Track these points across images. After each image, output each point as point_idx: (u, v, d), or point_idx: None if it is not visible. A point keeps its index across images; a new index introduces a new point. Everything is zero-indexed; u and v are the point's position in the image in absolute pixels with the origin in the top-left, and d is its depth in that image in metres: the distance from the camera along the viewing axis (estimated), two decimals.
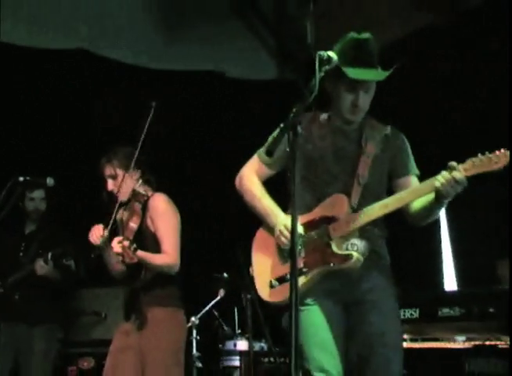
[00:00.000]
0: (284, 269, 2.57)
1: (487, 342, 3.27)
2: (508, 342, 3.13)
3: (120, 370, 3.13)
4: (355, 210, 2.53)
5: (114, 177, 3.30)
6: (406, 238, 4.85)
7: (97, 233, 3.14)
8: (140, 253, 3.03)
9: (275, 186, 2.74)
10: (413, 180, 2.64)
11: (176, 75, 5.61)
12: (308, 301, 2.53)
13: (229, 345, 4.90)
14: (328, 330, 2.50)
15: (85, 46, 5.36)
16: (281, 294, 2.55)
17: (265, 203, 2.68)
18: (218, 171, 5.00)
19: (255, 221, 2.75)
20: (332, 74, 2.47)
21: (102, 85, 5.34)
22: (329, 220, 2.54)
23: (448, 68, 5.04)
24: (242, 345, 4.82)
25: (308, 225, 2.56)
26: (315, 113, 2.69)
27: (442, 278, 5.25)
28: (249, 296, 4.14)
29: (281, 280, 2.59)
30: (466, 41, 4.92)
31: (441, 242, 5.27)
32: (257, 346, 4.71)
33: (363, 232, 2.54)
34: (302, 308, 2.47)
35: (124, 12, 5.67)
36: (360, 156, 2.59)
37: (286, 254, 2.58)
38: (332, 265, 2.50)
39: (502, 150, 2.28)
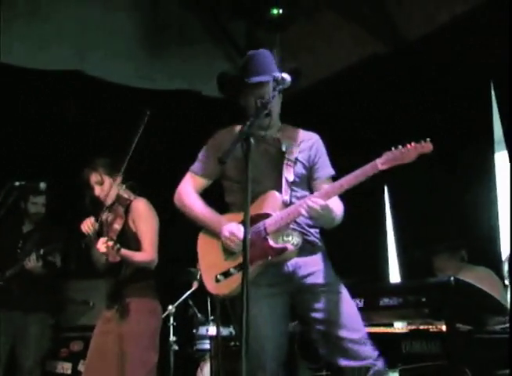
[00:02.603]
0: (227, 265, 2.60)
1: (421, 327, 3.37)
2: (438, 327, 3.24)
3: (103, 351, 3.21)
4: (287, 205, 2.57)
5: (101, 183, 3.38)
6: (357, 234, 4.96)
7: (89, 223, 3.21)
8: (123, 251, 3.12)
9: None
10: (326, 183, 2.67)
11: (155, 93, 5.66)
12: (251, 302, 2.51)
13: (202, 330, 4.96)
14: (267, 323, 2.52)
15: (77, 67, 5.41)
16: (226, 287, 2.58)
17: (206, 212, 2.69)
18: None
19: None
20: (240, 91, 2.62)
21: (92, 103, 5.33)
22: (265, 216, 2.57)
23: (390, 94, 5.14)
24: (213, 330, 4.87)
25: None
26: (236, 127, 2.71)
27: (388, 271, 5.36)
28: None
29: (225, 274, 2.60)
30: (406, 70, 5.04)
31: (386, 237, 5.37)
32: (226, 331, 4.76)
33: (296, 225, 2.58)
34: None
35: (113, 37, 5.74)
36: (283, 159, 2.64)
37: (230, 252, 2.59)
38: (270, 258, 2.52)
39: (412, 144, 2.37)
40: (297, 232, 2.57)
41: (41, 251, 4.11)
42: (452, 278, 3.01)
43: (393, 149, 2.40)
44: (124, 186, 3.37)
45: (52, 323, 4.59)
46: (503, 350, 2.94)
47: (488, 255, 4.39)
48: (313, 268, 2.61)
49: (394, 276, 5.25)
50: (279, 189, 2.60)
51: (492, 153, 4.63)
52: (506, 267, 3.59)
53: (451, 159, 4.61)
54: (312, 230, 2.67)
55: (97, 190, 3.38)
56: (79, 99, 5.29)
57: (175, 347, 4.87)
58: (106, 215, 3.35)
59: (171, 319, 4.88)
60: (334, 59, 5.85)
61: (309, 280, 2.59)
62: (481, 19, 4.53)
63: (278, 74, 2.49)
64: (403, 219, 5.18)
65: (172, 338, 4.88)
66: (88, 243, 3.22)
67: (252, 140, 2.19)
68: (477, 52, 4.53)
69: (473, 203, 4.52)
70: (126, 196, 3.35)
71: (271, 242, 2.54)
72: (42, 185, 3.98)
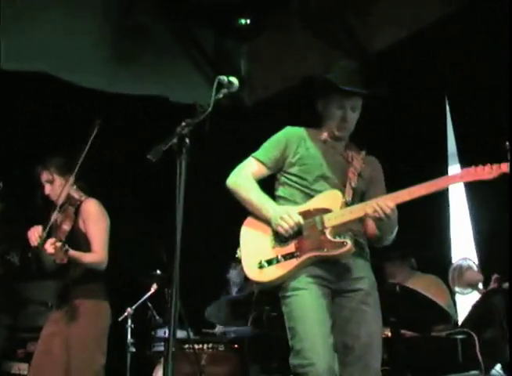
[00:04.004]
0: (275, 252, 2.45)
1: None
2: (384, 333, 3.17)
3: (49, 354, 3.08)
4: (348, 206, 2.46)
5: (51, 182, 3.26)
6: None
7: (35, 235, 3.07)
8: (71, 252, 2.98)
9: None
10: None
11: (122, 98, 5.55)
12: (298, 286, 2.39)
13: (160, 332, 4.83)
14: (321, 311, 2.35)
15: (46, 70, 5.28)
16: (269, 275, 2.43)
17: (261, 196, 2.56)
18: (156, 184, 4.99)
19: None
20: (323, 95, 2.59)
21: (55, 105, 5.20)
22: (324, 211, 2.45)
23: None
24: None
25: (302, 215, 2.45)
26: (309, 129, 2.67)
27: None
28: (170, 291, 4.09)
29: (271, 261, 2.44)
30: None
31: None
32: (183, 334, 4.64)
33: (351, 226, 2.47)
34: (292, 293, 2.38)
35: (83, 42, 5.63)
36: (348, 168, 2.58)
37: (279, 240, 2.45)
38: (325, 250, 2.38)
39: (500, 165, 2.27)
40: (350, 233, 2.46)
41: None
42: (397, 285, 2.96)
43: (474, 166, 2.33)
44: (75, 187, 3.26)
45: (9, 323, 4.42)
46: (446, 356, 2.90)
47: (439, 264, 4.36)
48: (362, 273, 2.48)
49: None
50: (342, 191, 2.51)
51: (446, 165, 4.62)
52: (450, 274, 3.55)
53: (404, 170, 4.58)
54: (363, 234, 2.56)
55: (47, 189, 3.25)
56: (43, 100, 5.15)
57: (132, 349, 4.73)
58: (56, 216, 3.23)
59: (129, 321, 4.74)
60: (300, 71, 5.81)
61: (358, 285, 2.45)
62: (438, 34, 4.53)
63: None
64: None
65: (130, 339, 4.74)
66: (35, 251, 3.08)
67: (187, 141, 2.09)
68: (432, 66, 4.53)
69: (425, 213, 4.49)
70: (77, 196, 3.23)
71: (329, 236, 2.40)
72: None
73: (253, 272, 2.47)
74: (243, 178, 2.60)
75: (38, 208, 3.24)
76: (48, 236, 3.07)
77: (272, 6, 5.78)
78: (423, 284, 3.70)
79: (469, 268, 3.51)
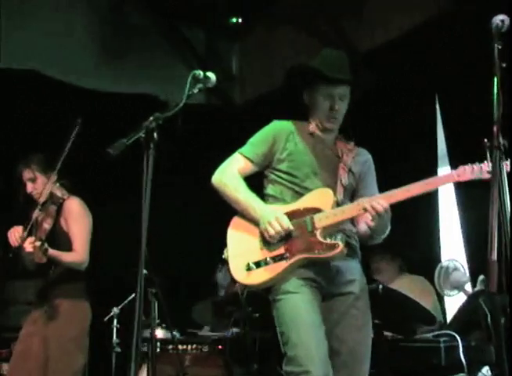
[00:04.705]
0: (263, 254, 2.35)
1: None
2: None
3: (27, 355, 3.05)
4: (339, 205, 2.38)
5: (33, 180, 3.22)
6: None
7: (16, 235, 3.04)
8: (51, 252, 2.95)
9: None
10: None
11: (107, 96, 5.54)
12: (289, 289, 2.30)
13: (146, 333, 4.79)
14: (314, 315, 2.27)
15: (37, 68, 5.26)
16: (257, 278, 2.34)
17: (250, 197, 2.45)
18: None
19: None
20: (309, 85, 2.46)
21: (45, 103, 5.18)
22: (314, 211, 2.35)
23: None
24: (158, 333, 4.73)
25: (291, 215, 2.36)
26: (297, 122, 2.56)
27: None
28: (153, 290, 4.07)
29: (259, 263, 2.34)
30: None
31: None
32: (170, 335, 4.61)
33: (343, 226, 2.39)
34: (283, 296, 2.30)
35: (73, 40, 5.61)
36: (339, 163, 2.48)
37: (268, 242, 2.35)
38: (316, 252, 2.29)
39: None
40: (342, 234, 2.37)
41: None
42: (380, 286, 2.93)
43: (470, 164, 2.24)
44: (57, 184, 3.22)
45: None
46: (429, 359, 2.88)
47: (428, 265, 4.34)
48: (353, 276, 2.40)
49: None
50: (334, 188, 2.41)
51: (436, 167, 4.60)
52: (436, 275, 3.52)
53: (394, 171, 4.56)
54: (355, 236, 2.47)
55: (29, 187, 3.21)
56: (33, 98, 5.13)
57: (118, 349, 4.70)
58: (37, 214, 3.19)
59: (115, 321, 4.71)
60: None
61: (349, 288, 2.38)
62: (428, 34, 4.51)
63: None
64: None
65: (115, 340, 4.71)
66: (16, 252, 3.05)
67: (156, 136, 2.04)
68: (423, 68, 4.51)
69: (414, 213, 4.47)
70: (59, 194, 3.19)
71: (319, 237, 2.31)
72: None
73: (240, 275, 2.38)
74: (229, 176, 2.49)
75: (20, 207, 3.20)
76: (30, 234, 3.05)
77: (263, 5, 5.77)
78: (409, 285, 3.69)
79: (455, 269, 3.49)
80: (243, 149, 2.54)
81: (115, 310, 4.72)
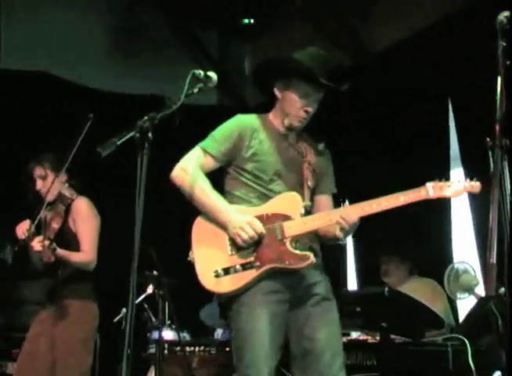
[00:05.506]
0: (232, 261, 2.29)
1: (361, 337, 3.28)
2: (376, 338, 3.14)
3: (34, 355, 3.07)
4: (307, 210, 2.34)
5: (44, 178, 3.24)
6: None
7: (23, 228, 3.07)
8: (59, 251, 2.98)
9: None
10: (329, 199, 2.52)
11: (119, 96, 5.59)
12: (253, 303, 2.26)
13: (155, 334, 4.82)
14: (272, 335, 2.25)
15: (46, 67, 5.33)
16: (226, 286, 2.28)
17: (215, 198, 2.35)
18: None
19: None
20: (286, 77, 2.37)
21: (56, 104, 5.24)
22: (283, 217, 2.29)
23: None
24: (167, 334, 4.76)
25: (260, 220, 2.29)
26: (260, 116, 2.48)
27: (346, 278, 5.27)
28: (161, 292, 4.10)
29: (228, 270, 2.28)
30: (369, 83, 4.96)
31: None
32: (175, 336, 4.63)
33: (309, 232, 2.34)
34: (246, 310, 2.26)
35: (84, 40, 5.68)
36: (303, 163, 2.43)
37: (237, 247, 2.29)
38: (287, 262, 2.25)
39: (462, 181, 2.24)
40: (306, 240, 2.35)
41: None
42: (386, 289, 2.92)
43: (441, 181, 2.26)
44: (67, 185, 3.24)
45: (3, 323, 4.43)
46: (437, 363, 2.87)
47: (440, 268, 4.31)
48: (318, 278, 2.39)
49: (352, 283, 5.20)
50: (300, 192, 2.37)
51: (448, 169, 4.57)
52: (446, 277, 3.49)
53: (407, 173, 4.54)
54: (317, 240, 2.45)
55: (39, 184, 3.23)
56: (45, 99, 5.20)
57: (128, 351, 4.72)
58: (45, 213, 3.22)
59: (124, 322, 4.74)
60: None
61: (313, 290, 2.36)
62: (440, 35, 4.49)
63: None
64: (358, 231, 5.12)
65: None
66: (22, 245, 3.08)
67: (150, 135, 1.99)
68: (435, 69, 4.48)
69: (427, 217, 4.45)
70: (68, 194, 3.21)
71: (289, 247, 2.28)
72: None
73: (208, 281, 2.30)
74: (192, 173, 2.37)
75: (29, 204, 3.23)
76: (37, 233, 3.07)
77: (275, 6, 5.78)
78: (420, 288, 3.66)
79: (465, 271, 3.46)
80: (206, 143, 2.43)
81: (124, 311, 4.76)
